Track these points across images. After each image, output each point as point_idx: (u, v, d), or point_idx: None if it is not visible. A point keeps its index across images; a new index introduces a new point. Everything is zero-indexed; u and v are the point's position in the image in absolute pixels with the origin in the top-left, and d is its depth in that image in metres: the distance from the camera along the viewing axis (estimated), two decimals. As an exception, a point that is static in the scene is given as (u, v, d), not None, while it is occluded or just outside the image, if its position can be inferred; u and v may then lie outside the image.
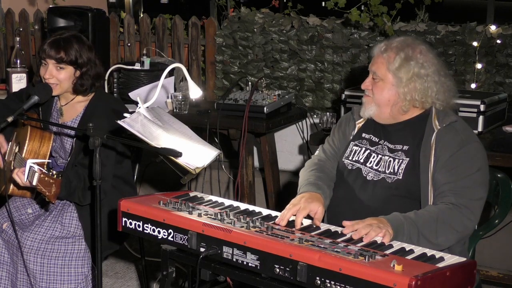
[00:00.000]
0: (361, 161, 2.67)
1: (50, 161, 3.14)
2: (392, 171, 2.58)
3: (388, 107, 2.62)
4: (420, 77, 2.56)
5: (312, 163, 2.83)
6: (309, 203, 2.50)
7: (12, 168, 3.14)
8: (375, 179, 2.61)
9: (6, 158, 3.23)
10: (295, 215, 2.45)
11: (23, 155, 3.07)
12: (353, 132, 2.79)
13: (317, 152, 2.92)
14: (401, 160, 2.59)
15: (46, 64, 3.09)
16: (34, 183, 2.65)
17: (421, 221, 2.40)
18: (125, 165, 3.23)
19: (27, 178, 2.71)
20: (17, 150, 3.18)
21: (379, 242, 2.26)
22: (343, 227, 2.37)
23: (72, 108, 3.21)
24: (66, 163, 3.15)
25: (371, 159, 2.66)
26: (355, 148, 2.72)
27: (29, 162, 2.69)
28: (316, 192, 2.60)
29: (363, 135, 2.74)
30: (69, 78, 3.11)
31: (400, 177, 2.56)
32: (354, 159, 2.70)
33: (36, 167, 2.66)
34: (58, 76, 3.09)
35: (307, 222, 2.44)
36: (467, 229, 2.49)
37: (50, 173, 2.66)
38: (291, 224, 2.42)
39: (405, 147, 2.61)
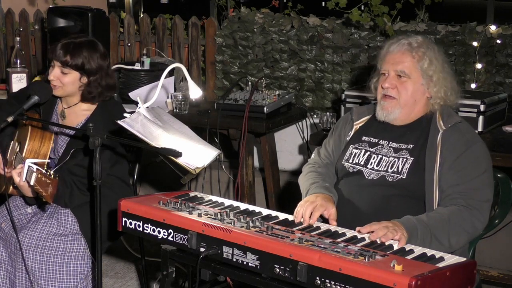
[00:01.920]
0: (362, 163, 2.67)
1: (49, 161, 3.13)
2: (395, 170, 2.58)
3: (411, 107, 2.62)
4: (444, 76, 2.60)
5: (310, 167, 2.83)
6: (326, 202, 2.52)
7: (13, 167, 3.14)
8: (375, 178, 2.61)
9: (8, 157, 3.23)
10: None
11: (23, 155, 3.07)
12: (350, 133, 2.79)
13: (313, 155, 2.92)
14: (405, 159, 2.58)
15: (53, 66, 3.09)
16: (32, 183, 2.64)
17: (433, 224, 2.40)
18: (121, 165, 3.23)
19: (25, 177, 2.70)
20: (18, 149, 3.18)
21: (395, 245, 2.25)
22: (344, 227, 2.38)
23: (75, 114, 3.19)
24: (55, 168, 3.13)
25: (371, 160, 2.66)
26: (355, 151, 2.72)
27: (28, 162, 2.69)
28: (328, 194, 2.61)
29: (363, 138, 2.73)
30: (73, 83, 3.09)
31: (404, 177, 2.56)
32: (354, 161, 2.69)
33: (34, 167, 2.65)
34: (62, 79, 3.08)
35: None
36: (477, 230, 2.50)
37: (48, 173, 2.66)
38: (291, 224, 2.42)
39: (410, 146, 2.61)
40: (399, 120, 2.65)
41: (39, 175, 2.63)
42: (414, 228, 2.36)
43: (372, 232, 2.30)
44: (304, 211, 2.47)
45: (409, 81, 2.60)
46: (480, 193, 2.49)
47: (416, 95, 2.61)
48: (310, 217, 2.45)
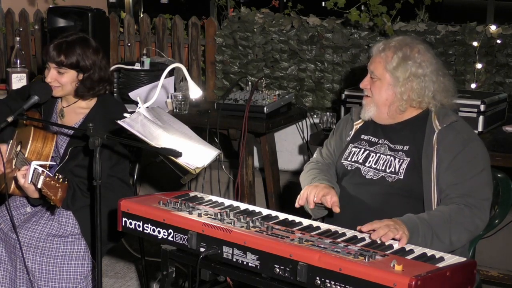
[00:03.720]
0: (360, 161, 2.68)
1: (54, 163, 3.13)
2: (393, 170, 2.58)
3: (386, 107, 2.63)
4: (417, 77, 2.57)
5: (312, 165, 2.84)
6: (329, 188, 2.58)
7: (13, 167, 3.13)
8: (374, 178, 2.61)
9: (7, 156, 3.23)
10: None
11: (26, 155, 3.07)
12: (350, 133, 2.79)
13: (315, 155, 2.93)
14: (401, 160, 2.59)
15: (48, 67, 3.08)
16: (39, 185, 2.65)
17: (435, 222, 2.41)
18: (122, 165, 3.23)
19: (31, 179, 2.70)
20: (19, 149, 3.18)
21: (395, 245, 2.25)
22: (343, 227, 2.38)
23: (73, 113, 3.19)
24: (57, 168, 3.14)
25: (370, 158, 2.66)
26: (354, 149, 2.72)
27: (34, 164, 2.70)
28: (331, 184, 2.65)
29: (362, 136, 2.74)
30: (71, 82, 3.09)
31: (402, 177, 2.56)
32: (353, 159, 2.70)
33: (40, 169, 2.66)
34: (60, 80, 3.07)
35: (306, 222, 2.44)
36: (478, 229, 2.50)
37: (56, 177, 2.66)
38: (291, 224, 2.42)
39: (406, 147, 2.61)
40: (381, 118, 2.66)
41: (47, 179, 2.63)
42: (415, 226, 2.36)
43: (373, 230, 2.30)
44: (308, 194, 2.52)
45: (378, 81, 2.62)
46: (480, 191, 2.49)
47: (387, 96, 2.61)
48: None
